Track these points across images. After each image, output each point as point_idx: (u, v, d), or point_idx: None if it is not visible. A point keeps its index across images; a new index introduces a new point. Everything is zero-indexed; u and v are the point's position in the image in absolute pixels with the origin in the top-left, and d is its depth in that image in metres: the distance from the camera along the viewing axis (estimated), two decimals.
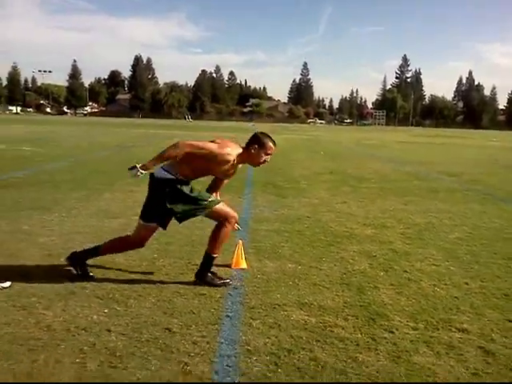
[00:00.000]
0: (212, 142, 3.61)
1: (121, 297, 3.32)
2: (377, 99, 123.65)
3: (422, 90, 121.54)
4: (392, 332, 2.97)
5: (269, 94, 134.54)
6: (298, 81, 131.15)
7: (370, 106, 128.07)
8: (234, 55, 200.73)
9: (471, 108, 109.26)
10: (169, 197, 3.48)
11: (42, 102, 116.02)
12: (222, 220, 3.62)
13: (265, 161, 3.66)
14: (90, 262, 3.79)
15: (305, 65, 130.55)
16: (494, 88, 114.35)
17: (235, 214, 3.69)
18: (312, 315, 3.16)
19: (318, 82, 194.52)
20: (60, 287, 3.45)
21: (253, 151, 3.60)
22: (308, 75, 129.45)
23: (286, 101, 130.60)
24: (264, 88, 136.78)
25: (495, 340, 2.93)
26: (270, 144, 3.63)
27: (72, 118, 76.49)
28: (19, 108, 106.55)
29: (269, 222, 5.85)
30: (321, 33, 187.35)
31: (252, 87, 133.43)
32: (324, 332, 2.93)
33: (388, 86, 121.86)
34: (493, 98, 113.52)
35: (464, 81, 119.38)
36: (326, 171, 11.68)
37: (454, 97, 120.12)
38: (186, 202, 3.52)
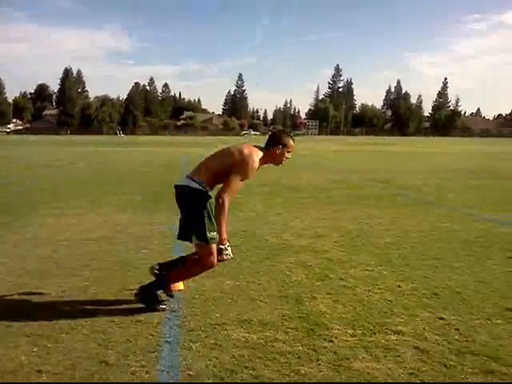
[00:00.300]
0: (234, 150, 3.52)
1: (51, 332, 3.18)
2: (310, 109, 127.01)
3: (354, 100, 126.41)
4: (331, 341, 3.05)
5: (204, 107, 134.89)
6: (232, 92, 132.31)
7: (303, 116, 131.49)
8: (169, 66, 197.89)
9: (399, 116, 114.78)
10: (198, 209, 3.42)
11: None
12: (200, 258, 3.50)
13: (287, 158, 3.71)
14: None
15: (240, 76, 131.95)
16: (419, 96, 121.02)
17: (215, 264, 3.50)
18: (252, 332, 3.19)
19: (253, 94, 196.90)
20: None
21: (278, 151, 3.63)
22: (243, 86, 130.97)
23: (220, 113, 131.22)
24: (199, 100, 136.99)
25: (428, 338, 3.10)
26: (292, 142, 3.70)
27: None
28: None
29: None
30: (258, 43, 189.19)
31: (186, 100, 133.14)
32: (265, 348, 2.96)
33: (321, 96, 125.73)
34: (418, 106, 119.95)
35: (393, 90, 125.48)
36: (260, 183, 11.83)
37: (383, 105, 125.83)
38: (203, 223, 3.41)
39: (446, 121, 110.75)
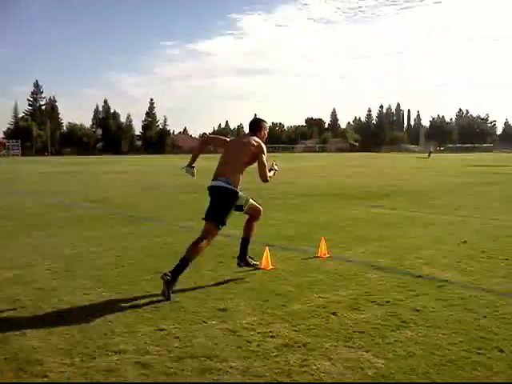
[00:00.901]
0: (245, 146, 4.97)
1: None
2: (9, 128, 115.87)
3: (60, 118, 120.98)
4: (46, 376, 2.84)
5: None
6: None
7: (1, 135, 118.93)
8: None
9: (110, 135, 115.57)
10: (234, 204, 4.83)
11: None
12: (254, 214, 5.13)
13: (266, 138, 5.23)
14: None
15: None
16: (129, 115, 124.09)
17: (261, 208, 5.20)
18: None
19: None
20: None
21: (263, 134, 5.16)
22: None
23: None
24: None
25: (149, 351, 3.19)
26: (267, 125, 5.35)
27: None
28: None
29: None
30: None
31: None
32: None
33: (21, 114, 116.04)
34: (129, 125, 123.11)
35: (101, 109, 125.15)
36: None
37: (93, 124, 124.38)
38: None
39: (157, 139, 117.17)
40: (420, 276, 4.99)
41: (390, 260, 5.72)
